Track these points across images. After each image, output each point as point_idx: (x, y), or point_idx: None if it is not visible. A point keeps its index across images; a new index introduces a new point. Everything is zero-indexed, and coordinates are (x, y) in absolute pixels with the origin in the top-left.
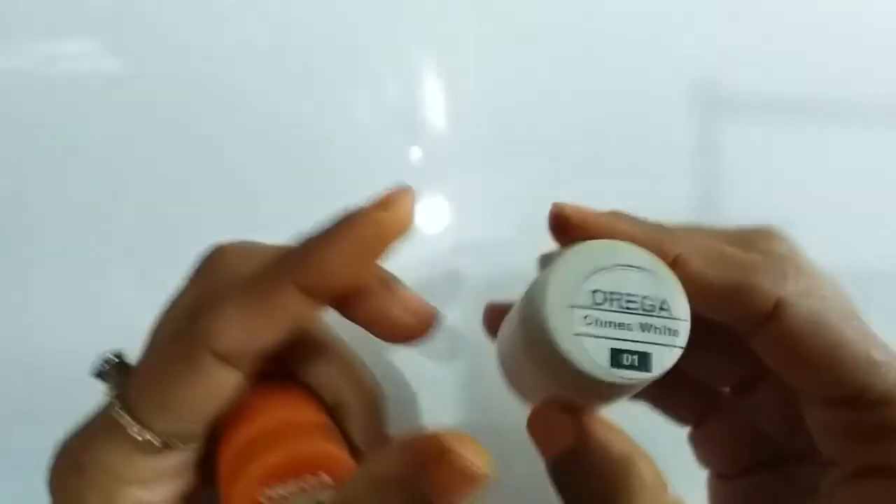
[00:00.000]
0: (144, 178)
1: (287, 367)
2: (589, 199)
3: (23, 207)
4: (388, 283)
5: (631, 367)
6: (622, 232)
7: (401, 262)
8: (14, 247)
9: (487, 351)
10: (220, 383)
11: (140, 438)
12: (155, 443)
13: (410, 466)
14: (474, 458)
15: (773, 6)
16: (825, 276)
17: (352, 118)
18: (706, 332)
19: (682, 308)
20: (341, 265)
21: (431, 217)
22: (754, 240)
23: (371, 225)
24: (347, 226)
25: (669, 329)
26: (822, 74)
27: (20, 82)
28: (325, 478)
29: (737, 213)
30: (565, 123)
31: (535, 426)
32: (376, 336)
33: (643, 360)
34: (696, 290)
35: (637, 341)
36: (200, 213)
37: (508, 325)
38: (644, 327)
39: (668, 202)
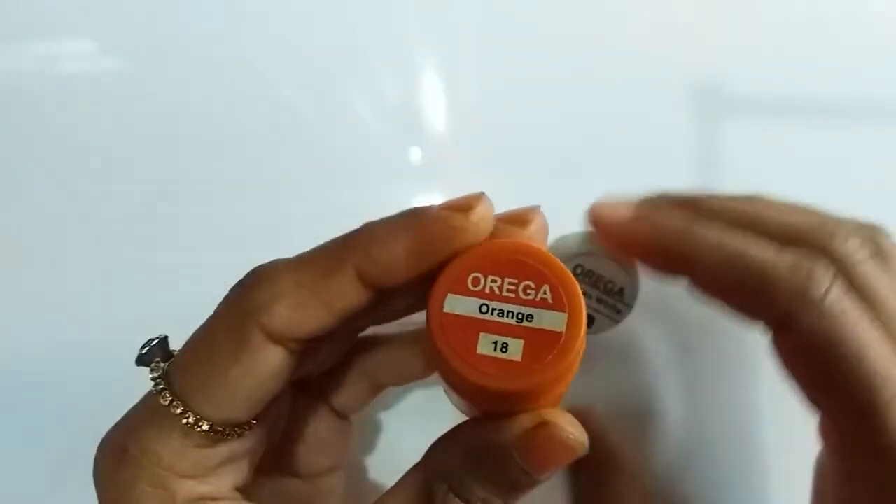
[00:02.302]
0: (144, 178)
1: None
2: (589, 199)
3: (22, 207)
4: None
5: None
6: (642, 241)
7: None
8: (13, 246)
9: None
10: (267, 364)
11: (185, 422)
12: (202, 428)
13: (512, 435)
14: (572, 429)
15: (773, 6)
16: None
17: (352, 118)
18: None
19: (632, 299)
20: (405, 259)
21: None
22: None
23: (442, 224)
24: (418, 220)
25: (616, 309)
26: (822, 74)
27: (20, 82)
28: (546, 294)
29: None
30: (565, 124)
31: None
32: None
33: (589, 320)
34: (706, 288)
35: (590, 307)
36: (200, 213)
37: None
38: (600, 300)
39: None
